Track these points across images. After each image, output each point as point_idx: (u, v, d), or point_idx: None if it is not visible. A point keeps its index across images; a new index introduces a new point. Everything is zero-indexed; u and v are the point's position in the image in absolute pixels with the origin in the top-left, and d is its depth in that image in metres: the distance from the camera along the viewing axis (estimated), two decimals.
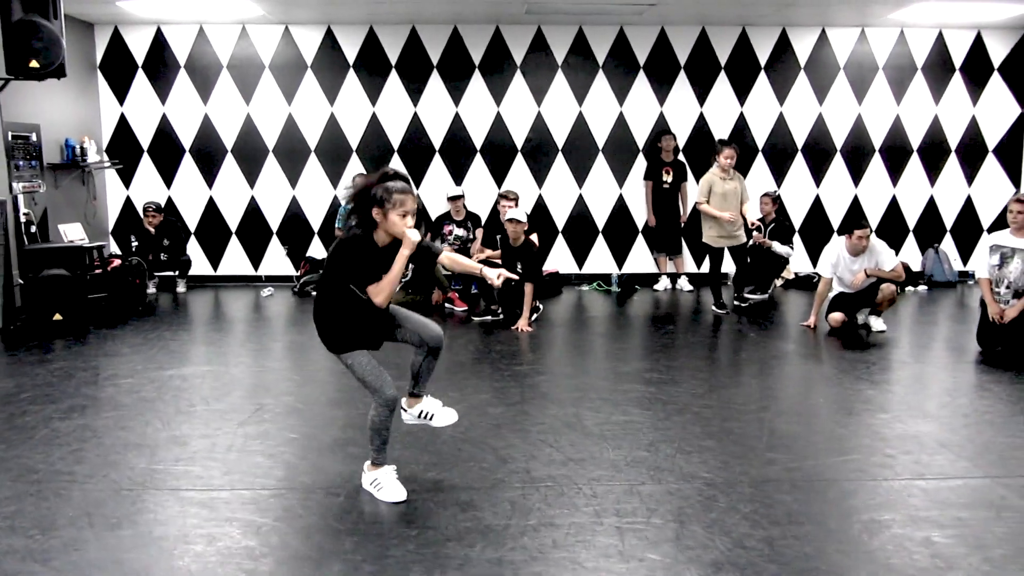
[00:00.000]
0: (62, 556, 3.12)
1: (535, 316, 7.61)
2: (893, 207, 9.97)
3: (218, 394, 5.30)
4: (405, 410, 3.90)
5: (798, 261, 9.72)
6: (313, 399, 5.27)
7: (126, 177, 9.60)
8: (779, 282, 9.50)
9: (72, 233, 8.21)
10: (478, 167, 9.67)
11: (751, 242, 8.53)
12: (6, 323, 7.30)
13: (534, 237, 8.31)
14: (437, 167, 9.65)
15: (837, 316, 7.25)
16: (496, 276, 3.84)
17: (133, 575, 3.00)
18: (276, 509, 3.56)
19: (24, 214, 7.57)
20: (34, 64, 7.03)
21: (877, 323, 7.28)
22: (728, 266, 8.63)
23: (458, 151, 9.63)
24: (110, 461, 4.10)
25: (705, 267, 8.67)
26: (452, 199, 9.20)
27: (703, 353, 6.74)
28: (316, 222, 9.68)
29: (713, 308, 8.14)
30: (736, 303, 8.26)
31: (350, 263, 3.48)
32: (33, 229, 7.71)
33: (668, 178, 9.47)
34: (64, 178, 8.63)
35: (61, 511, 3.53)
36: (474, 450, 4.28)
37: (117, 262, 8.24)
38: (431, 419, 3.87)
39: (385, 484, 3.68)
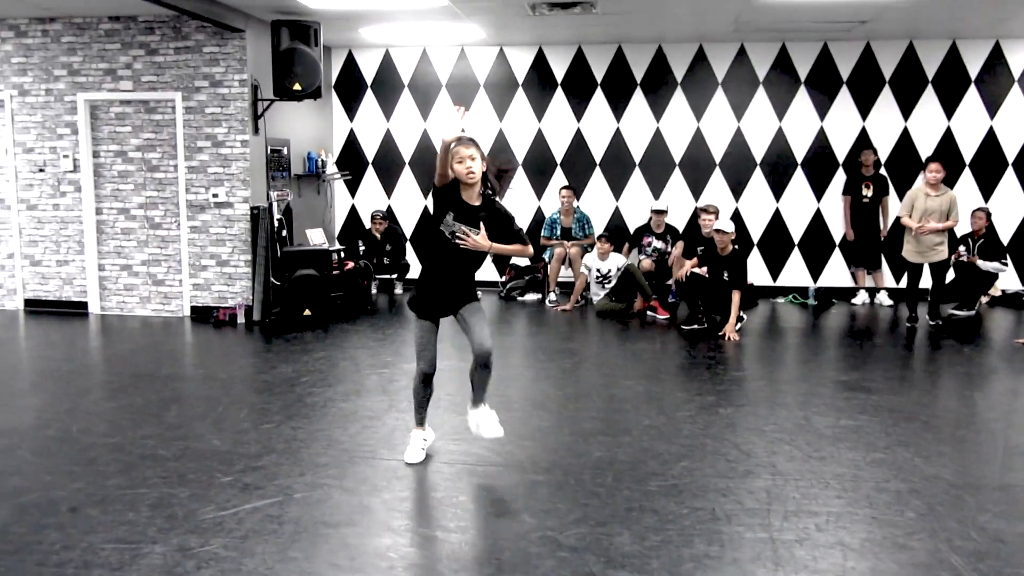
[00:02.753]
0: (368, 504, 3.74)
1: (739, 326, 7.89)
2: None
3: (457, 386, 5.91)
4: (472, 414, 4.28)
5: (1007, 278, 9.49)
6: (549, 394, 5.80)
7: (352, 187, 10.58)
8: (985, 299, 9.32)
9: (316, 238, 9.19)
10: (676, 181, 10.02)
11: (954, 258, 8.45)
12: (263, 316, 8.30)
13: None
14: (636, 180, 10.08)
15: None
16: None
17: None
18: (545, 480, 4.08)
19: (277, 220, 8.55)
20: (297, 87, 8.01)
21: None
22: (927, 282, 8.51)
23: (657, 165, 10.02)
24: (393, 441, 4.75)
25: (920, 282, 8.65)
26: (657, 212, 9.58)
27: (918, 366, 6.85)
28: None
29: (905, 323, 8.17)
30: (929, 321, 8.18)
31: (437, 206, 4.01)
32: (284, 233, 8.70)
33: (868, 192, 9.50)
34: (306, 187, 9.66)
35: (371, 476, 4.19)
36: (716, 444, 4.67)
37: (351, 264, 9.15)
38: (479, 428, 4.22)
39: (409, 443, 4.37)
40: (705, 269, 8.01)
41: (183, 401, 5.51)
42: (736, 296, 7.71)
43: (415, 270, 10.41)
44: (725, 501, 3.86)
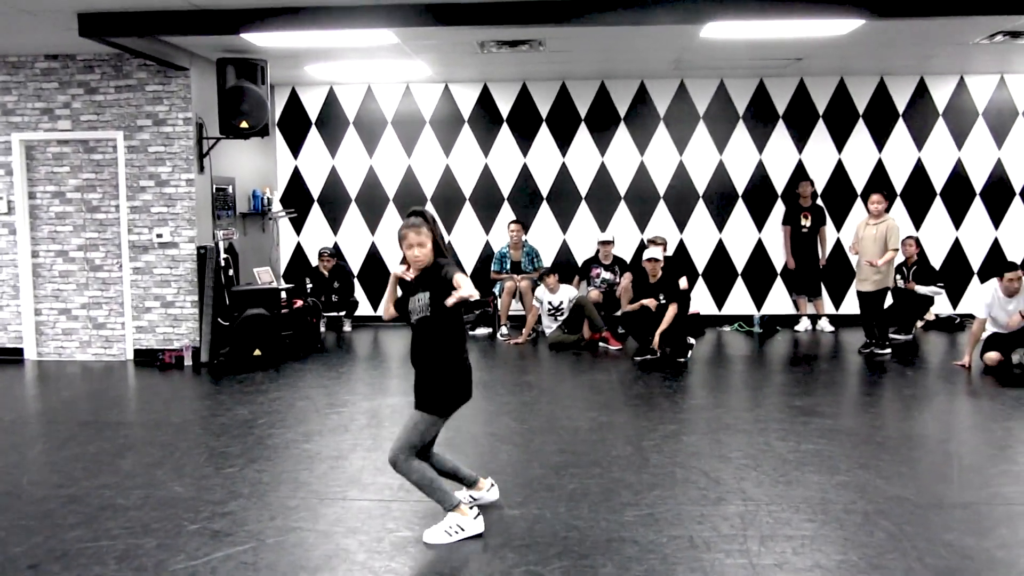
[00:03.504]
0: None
1: (689, 353, 8.04)
2: None
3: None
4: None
5: (940, 303, 9.85)
6: (513, 428, 5.79)
7: (297, 224, 10.47)
8: (920, 324, 9.66)
9: (264, 276, 9.05)
10: (622, 213, 10.19)
11: (894, 286, 8.71)
12: (211, 357, 8.12)
13: (683, 281, 8.75)
14: (583, 214, 10.21)
15: (993, 355, 7.42)
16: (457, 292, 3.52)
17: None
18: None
19: (224, 259, 8.40)
20: (244, 125, 7.93)
21: None
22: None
23: (603, 198, 10.18)
24: (362, 480, 4.68)
25: (855, 308, 8.86)
26: (603, 243, 9.72)
27: (865, 390, 7.04)
28: (469, 266, 10.33)
29: (859, 350, 8.37)
30: (860, 349, 8.38)
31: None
32: (231, 272, 8.54)
33: (806, 222, 9.80)
34: (251, 226, 9.52)
35: (344, 517, 4.11)
36: (685, 472, 4.72)
37: (299, 303, 9.03)
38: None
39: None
40: (652, 302, 8.20)
41: (138, 448, 5.33)
42: (671, 309, 8.02)
43: (364, 308, 10.32)
44: (701, 528, 3.90)
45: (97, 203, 8.36)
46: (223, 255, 8.40)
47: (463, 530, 3.78)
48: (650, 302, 8.19)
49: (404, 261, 3.80)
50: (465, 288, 3.46)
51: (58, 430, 5.81)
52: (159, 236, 8.22)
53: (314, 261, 10.27)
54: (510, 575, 3.43)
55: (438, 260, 3.74)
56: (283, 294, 8.64)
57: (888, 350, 8.29)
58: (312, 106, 10.35)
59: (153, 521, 4.06)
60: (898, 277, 9.37)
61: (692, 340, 8.28)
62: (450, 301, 3.50)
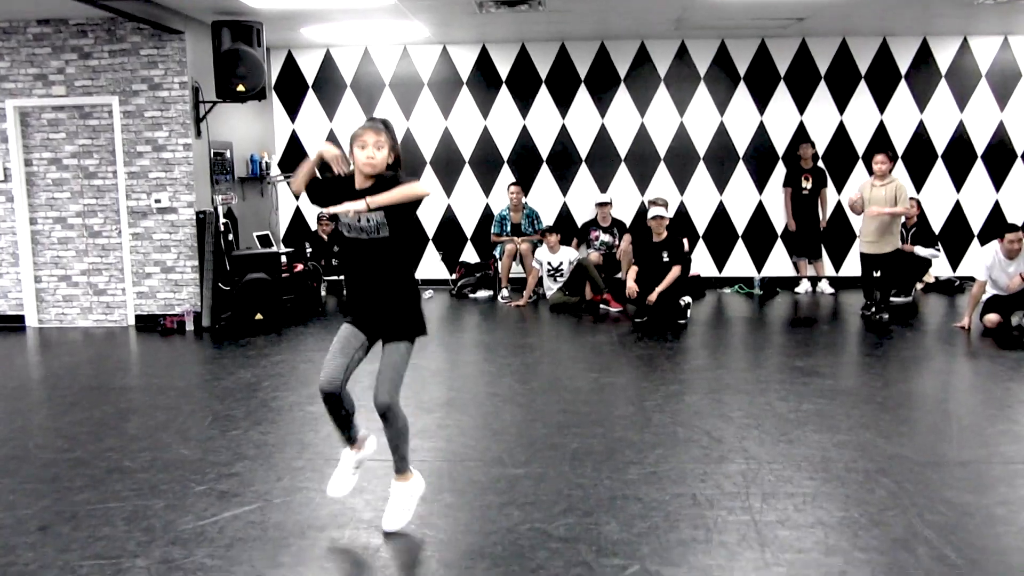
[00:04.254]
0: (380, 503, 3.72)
1: (688, 314, 8.06)
2: None
3: (422, 385, 5.90)
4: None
5: (940, 265, 9.86)
6: (515, 389, 5.82)
7: None
8: (920, 286, 9.67)
9: (263, 241, 9.01)
10: (622, 175, 10.15)
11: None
12: (212, 322, 8.13)
13: (684, 243, 8.74)
14: (583, 176, 10.17)
15: (993, 317, 7.44)
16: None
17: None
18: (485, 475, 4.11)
19: (223, 223, 8.37)
20: (240, 88, 7.86)
21: None
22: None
23: (603, 160, 10.13)
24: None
25: (855, 271, 8.80)
26: (600, 205, 9.71)
27: (865, 351, 7.07)
28: (469, 229, 10.31)
29: (861, 311, 8.35)
30: (862, 311, 8.29)
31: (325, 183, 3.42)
32: (231, 237, 8.52)
33: (807, 184, 9.77)
34: (250, 190, 9.48)
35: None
36: (688, 432, 4.75)
37: (300, 267, 9.02)
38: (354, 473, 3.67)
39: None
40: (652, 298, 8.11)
41: (142, 412, 5.35)
42: (675, 270, 8.03)
43: None
44: (704, 486, 3.94)
45: (94, 169, 8.31)
46: (222, 220, 8.37)
47: (415, 496, 3.58)
48: (651, 298, 8.08)
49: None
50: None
51: (62, 395, 5.83)
52: (157, 201, 8.19)
53: (313, 225, 10.24)
54: (516, 532, 3.46)
55: (396, 172, 3.35)
56: (283, 258, 8.63)
57: (887, 314, 8.26)
58: (309, 69, 10.25)
59: (160, 483, 4.09)
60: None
61: (688, 299, 8.25)
62: (342, 210, 3.18)
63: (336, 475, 3.66)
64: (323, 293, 9.65)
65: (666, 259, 8.14)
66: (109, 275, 8.42)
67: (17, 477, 4.23)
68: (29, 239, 8.39)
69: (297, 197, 9.64)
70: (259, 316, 8.04)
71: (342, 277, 9.85)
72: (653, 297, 7.99)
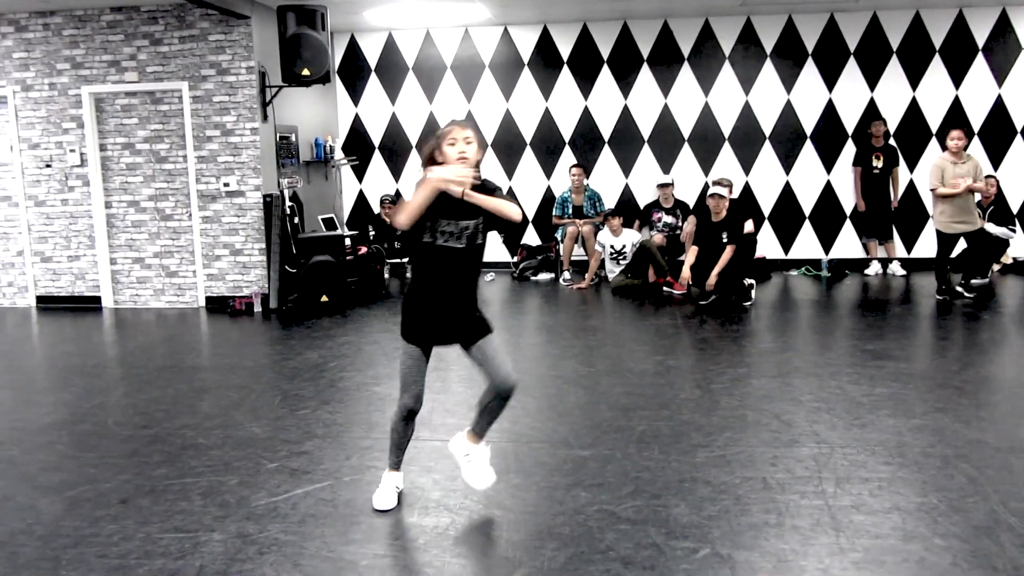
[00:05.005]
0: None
1: (752, 296, 7.91)
2: None
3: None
4: (459, 437, 3.65)
5: (1018, 245, 9.51)
6: (579, 371, 5.80)
7: (359, 172, 10.53)
8: (997, 267, 9.34)
9: (328, 224, 9.13)
10: (686, 156, 10.00)
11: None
12: (280, 303, 8.27)
13: (749, 224, 8.58)
14: (646, 156, 10.06)
15: None
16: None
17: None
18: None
19: (289, 206, 8.50)
20: (305, 72, 7.95)
21: None
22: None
23: (666, 141, 10.00)
24: (432, 422, 4.74)
25: (927, 252, 8.53)
26: (661, 186, 9.61)
27: (939, 334, 6.87)
28: (531, 211, 10.29)
29: (935, 295, 8.10)
30: (962, 290, 8.06)
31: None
32: (296, 220, 8.65)
33: (878, 163, 9.50)
34: (314, 174, 9.60)
35: (418, 457, 4.17)
36: (756, 415, 4.68)
37: (364, 249, 9.12)
38: (468, 463, 3.58)
39: (380, 486, 3.63)
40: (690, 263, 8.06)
41: (214, 391, 5.48)
42: (728, 251, 7.89)
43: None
44: (774, 470, 3.87)
45: (165, 153, 8.51)
46: (288, 203, 8.50)
47: (399, 488, 3.64)
48: (710, 283, 7.95)
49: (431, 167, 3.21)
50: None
51: (138, 374, 6.00)
52: (226, 185, 8.35)
53: (376, 208, 10.33)
54: (583, 513, 3.46)
55: (490, 183, 3.29)
56: (347, 241, 8.72)
57: (974, 292, 8.02)
58: (371, 52, 10.32)
59: (233, 460, 4.19)
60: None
61: (751, 281, 8.09)
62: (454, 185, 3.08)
63: (383, 492, 3.61)
64: (386, 276, 9.75)
65: (725, 239, 8.00)
66: (180, 257, 8.63)
67: (98, 452, 4.37)
68: (104, 222, 8.64)
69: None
70: (324, 298, 8.15)
71: (406, 260, 9.96)
72: (712, 282, 7.87)
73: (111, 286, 8.74)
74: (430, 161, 3.28)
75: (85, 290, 8.76)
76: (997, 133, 9.63)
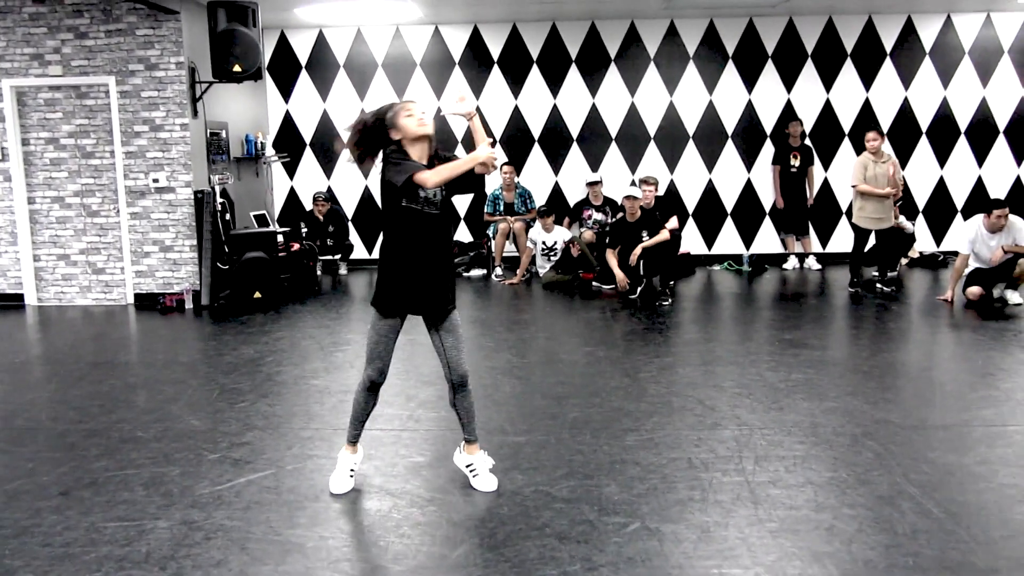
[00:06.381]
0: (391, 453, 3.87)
1: (669, 298, 8.20)
2: (1017, 187, 10.23)
3: (424, 358, 6.03)
4: (459, 452, 3.82)
5: (923, 240, 10.07)
6: (513, 362, 5.98)
7: (290, 169, 10.51)
8: (905, 260, 9.87)
9: (260, 220, 9.11)
10: (613, 154, 10.28)
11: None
12: (211, 300, 8.24)
13: (673, 220, 8.90)
14: (575, 155, 10.31)
15: (975, 290, 7.63)
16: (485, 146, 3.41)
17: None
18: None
19: (220, 203, 8.46)
20: (237, 68, 7.93)
21: (1014, 296, 7.65)
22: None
23: (594, 139, 10.26)
24: (373, 414, 4.85)
25: (841, 247, 8.97)
26: (591, 184, 9.86)
27: (852, 324, 7.27)
28: (463, 208, 10.45)
29: (848, 287, 8.52)
30: (881, 286, 8.41)
31: (401, 171, 3.35)
32: (227, 217, 8.61)
33: (796, 162, 9.94)
34: (245, 170, 9.56)
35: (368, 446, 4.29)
36: (682, 401, 4.93)
37: (296, 246, 9.13)
38: (474, 477, 3.71)
39: (336, 467, 3.76)
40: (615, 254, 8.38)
41: (150, 386, 5.49)
42: (662, 234, 8.23)
43: (359, 251, 10.45)
44: (699, 451, 4.11)
45: (91, 149, 8.38)
46: (219, 200, 8.46)
47: (356, 466, 3.77)
48: (633, 256, 8.26)
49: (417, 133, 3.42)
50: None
51: (69, 370, 5.94)
52: (155, 181, 8.27)
53: (308, 205, 10.34)
54: (521, 494, 3.63)
55: (444, 153, 3.55)
56: (280, 238, 8.73)
57: (894, 285, 8.43)
58: (302, 50, 10.31)
59: (174, 451, 4.23)
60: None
61: (671, 281, 8.37)
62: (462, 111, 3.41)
63: (336, 475, 3.73)
64: (319, 272, 9.78)
65: (645, 238, 8.28)
66: (108, 254, 8.51)
67: (33, 446, 4.36)
68: (27, 218, 8.46)
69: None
70: (257, 295, 8.15)
71: (338, 256, 9.99)
72: (635, 254, 8.13)
73: (35, 283, 8.56)
74: (383, 140, 3.45)
75: (7, 287, 8.56)
76: (904, 133, 10.18)
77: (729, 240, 10.45)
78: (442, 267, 3.57)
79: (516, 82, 10.20)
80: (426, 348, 3.91)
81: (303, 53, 10.31)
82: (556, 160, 10.35)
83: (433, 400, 4.97)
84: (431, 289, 3.55)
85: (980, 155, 10.23)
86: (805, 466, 3.90)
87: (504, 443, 4.26)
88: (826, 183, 10.26)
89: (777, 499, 3.54)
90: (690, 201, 10.37)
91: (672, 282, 8.40)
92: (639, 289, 8.29)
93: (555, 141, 10.31)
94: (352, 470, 3.75)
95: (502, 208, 9.86)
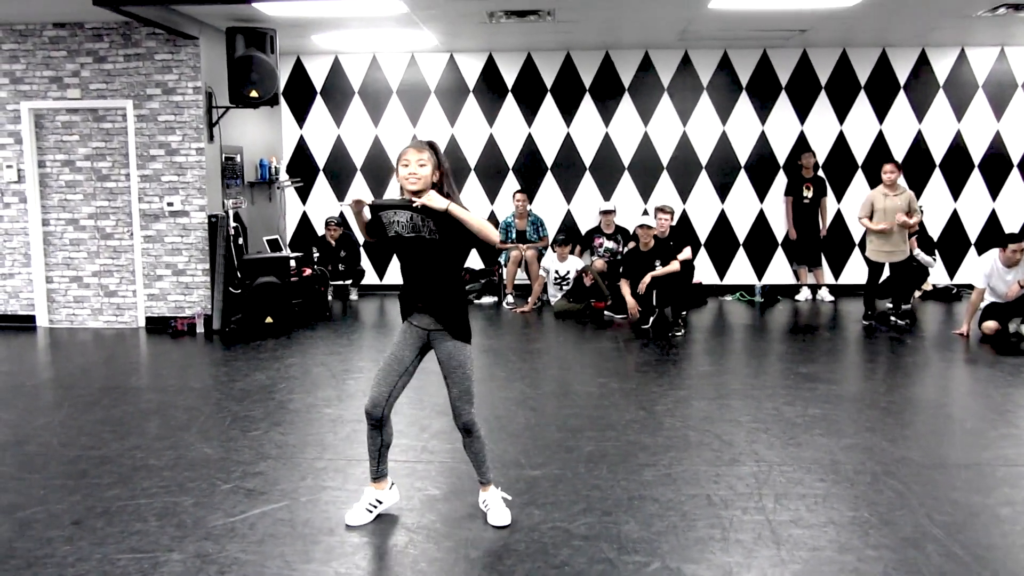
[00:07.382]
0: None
1: (682, 328, 8.13)
2: None
3: (437, 388, 5.99)
4: (480, 492, 3.80)
5: (937, 273, 10.02)
6: (527, 393, 5.94)
7: (303, 193, 10.54)
8: (918, 293, 9.82)
9: (273, 245, 9.12)
10: (626, 183, 10.29)
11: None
12: (223, 324, 8.23)
13: (687, 251, 8.87)
14: (587, 184, 10.31)
15: (991, 324, 7.58)
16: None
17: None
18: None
19: (233, 227, 8.47)
20: (254, 94, 7.98)
21: None
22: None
23: (607, 168, 10.28)
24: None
25: (854, 278, 8.94)
26: (604, 212, 9.86)
27: (867, 357, 7.21)
28: None
29: (862, 320, 8.48)
30: (895, 319, 8.38)
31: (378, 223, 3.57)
32: (240, 241, 8.62)
33: (808, 193, 9.92)
34: (258, 195, 9.58)
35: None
36: (699, 436, 4.88)
37: (308, 271, 9.13)
38: (488, 512, 3.70)
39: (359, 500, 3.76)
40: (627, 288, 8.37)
41: (162, 412, 5.46)
42: (673, 264, 8.24)
43: (370, 277, 10.45)
44: (717, 487, 4.06)
45: (107, 172, 8.41)
46: (232, 224, 8.48)
47: (381, 503, 3.73)
48: (642, 284, 8.27)
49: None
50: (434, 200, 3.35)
51: (80, 395, 5.92)
52: (170, 205, 8.29)
53: (320, 230, 10.35)
54: (538, 530, 3.58)
55: (444, 190, 3.52)
56: (292, 263, 8.73)
57: (908, 318, 8.38)
58: (317, 76, 10.37)
59: (187, 480, 4.20)
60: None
61: (684, 312, 8.34)
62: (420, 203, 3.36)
63: (356, 506, 3.72)
64: (330, 297, 9.77)
65: (658, 267, 8.26)
66: (120, 277, 8.52)
67: (45, 473, 4.33)
68: (41, 240, 8.48)
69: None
70: (269, 319, 8.14)
71: (349, 281, 9.99)
72: (644, 283, 8.14)
73: (46, 305, 8.57)
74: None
75: (19, 309, 8.57)
76: (917, 166, 10.17)
77: (741, 270, 10.41)
78: (431, 290, 3.57)
79: (530, 110, 10.24)
80: (437, 376, 3.87)
81: (318, 79, 10.37)
82: (569, 189, 10.35)
83: (447, 431, 4.91)
84: (425, 306, 3.58)
85: (994, 188, 10.20)
86: (826, 505, 3.84)
87: (520, 477, 4.22)
88: (839, 215, 10.24)
89: (799, 539, 3.48)
90: (702, 231, 10.36)
91: (684, 312, 8.35)
92: (651, 319, 8.26)
93: (568, 170, 10.32)
94: (374, 505, 3.71)
95: (514, 235, 9.86)
